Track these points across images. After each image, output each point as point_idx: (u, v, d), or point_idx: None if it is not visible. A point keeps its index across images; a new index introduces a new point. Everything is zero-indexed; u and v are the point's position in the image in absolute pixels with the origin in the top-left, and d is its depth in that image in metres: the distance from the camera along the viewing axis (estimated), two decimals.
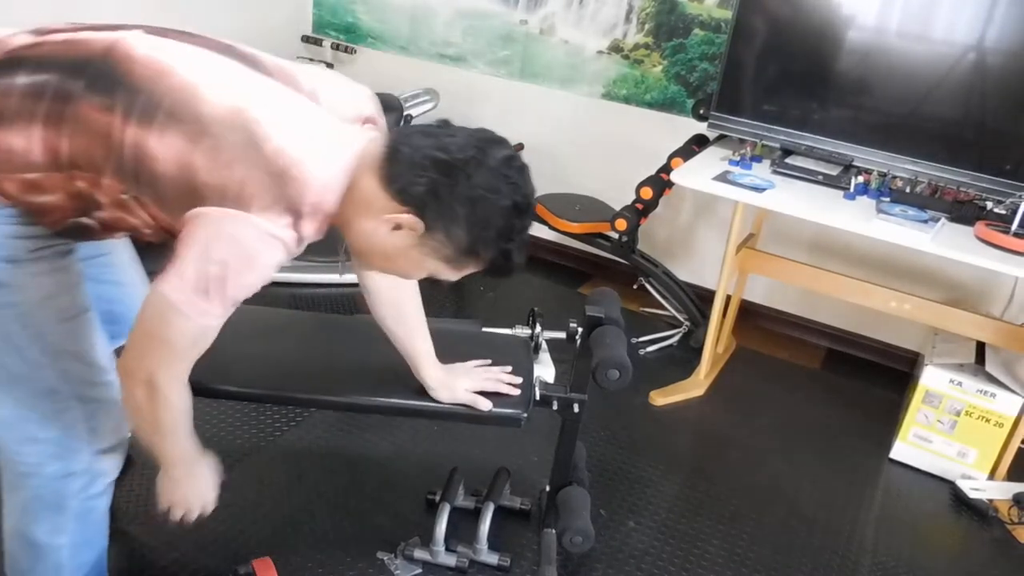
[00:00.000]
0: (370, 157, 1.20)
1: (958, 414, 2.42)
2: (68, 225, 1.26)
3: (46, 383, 1.32)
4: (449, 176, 1.16)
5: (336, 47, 3.66)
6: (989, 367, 2.41)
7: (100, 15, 2.90)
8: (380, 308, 1.61)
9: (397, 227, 1.20)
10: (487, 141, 1.21)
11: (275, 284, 3.32)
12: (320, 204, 1.17)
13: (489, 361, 1.74)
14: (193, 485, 1.41)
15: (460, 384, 1.65)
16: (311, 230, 1.19)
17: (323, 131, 1.21)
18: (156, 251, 1.27)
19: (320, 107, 1.25)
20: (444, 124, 1.24)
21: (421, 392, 1.67)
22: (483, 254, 1.22)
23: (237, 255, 1.13)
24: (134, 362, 1.21)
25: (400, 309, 1.62)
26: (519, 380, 1.71)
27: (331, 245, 3.25)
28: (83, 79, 1.15)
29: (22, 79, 1.15)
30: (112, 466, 1.45)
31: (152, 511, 1.91)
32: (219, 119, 1.13)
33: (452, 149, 1.17)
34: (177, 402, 1.26)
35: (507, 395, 1.67)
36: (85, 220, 1.25)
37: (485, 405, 1.64)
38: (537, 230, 3.38)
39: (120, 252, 1.58)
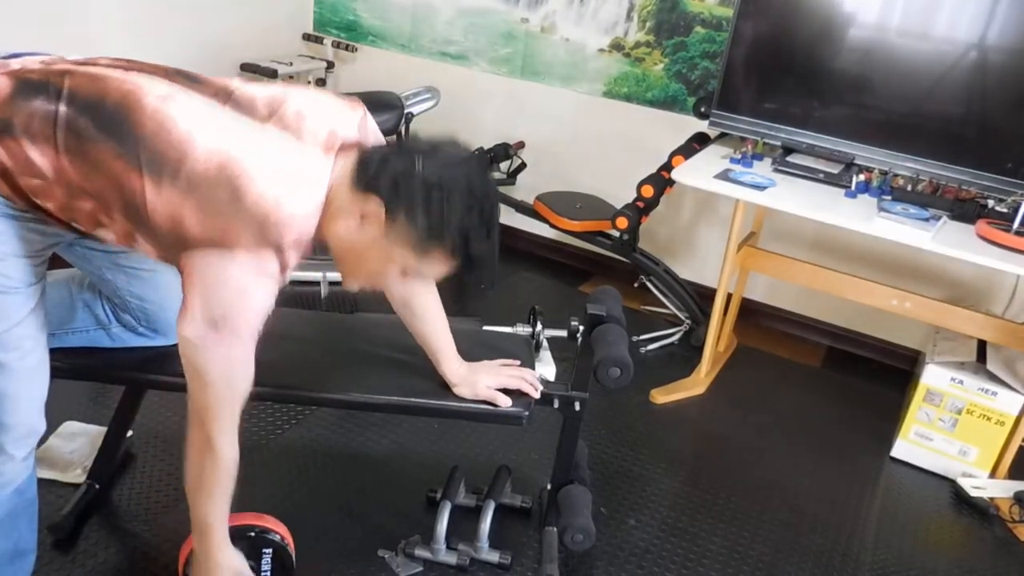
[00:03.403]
0: (343, 174, 1.31)
1: (959, 412, 2.41)
2: (65, 226, 1.35)
3: None
4: (407, 163, 1.27)
5: (337, 45, 3.65)
6: (990, 365, 2.41)
7: (107, 10, 2.92)
8: (393, 303, 1.66)
9: (364, 217, 1.29)
10: (445, 139, 1.33)
11: None
12: (301, 238, 1.28)
13: (518, 362, 1.76)
14: (213, 567, 1.44)
15: (481, 381, 1.67)
16: (295, 258, 1.30)
17: (301, 169, 1.29)
18: None
19: (303, 142, 1.30)
20: (412, 136, 1.34)
21: (421, 390, 1.67)
22: (444, 237, 1.28)
23: (231, 289, 1.25)
24: (192, 405, 1.34)
25: (412, 304, 1.64)
26: (538, 380, 1.72)
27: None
28: (93, 118, 1.25)
29: (40, 104, 1.25)
30: (19, 470, 1.41)
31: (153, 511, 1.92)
32: (207, 178, 1.24)
33: (410, 145, 1.33)
34: (225, 458, 1.35)
35: (527, 395, 1.69)
36: (79, 226, 1.35)
37: (504, 402, 1.66)
38: (538, 228, 3.38)
39: None
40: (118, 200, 1.27)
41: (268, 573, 1.61)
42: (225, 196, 1.23)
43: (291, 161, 1.29)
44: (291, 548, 1.64)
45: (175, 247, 1.26)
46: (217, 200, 1.23)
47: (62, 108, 1.25)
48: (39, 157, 1.25)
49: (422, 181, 1.26)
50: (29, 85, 1.26)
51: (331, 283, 3.09)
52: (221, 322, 1.24)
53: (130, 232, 1.32)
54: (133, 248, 1.37)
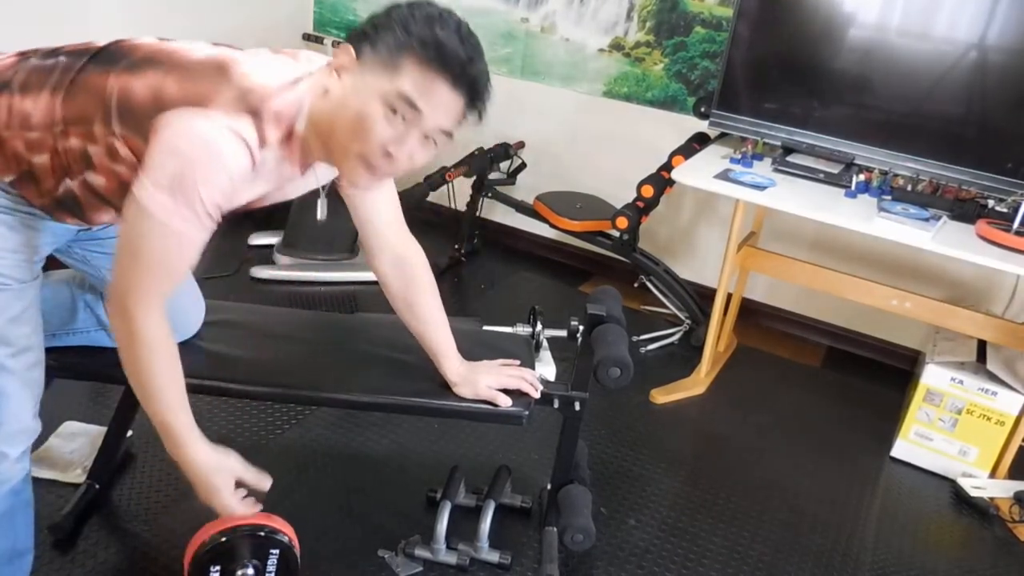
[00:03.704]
0: (325, 71, 1.29)
1: (959, 412, 2.42)
2: (56, 197, 1.33)
3: None
4: (376, 15, 1.24)
5: (337, 45, 3.64)
6: (990, 365, 2.41)
7: (107, 10, 2.92)
8: (393, 302, 1.65)
9: (339, 71, 1.25)
10: None
11: (275, 283, 3.31)
12: (282, 113, 1.24)
13: (518, 361, 1.75)
14: (194, 473, 1.34)
15: (482, 380, 1.66)
16: (275, 137, 1.25)
17: (292, 68, 1.30)
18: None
19: (297, 61, 1.33)
20: None
21: (421, 390, 1.67)
22: (409, 40, 1.20)
23: (195, 145, 1.17)
24: (113, 283, 1.23)
25: (411, 304, 1.64)
26: (538, 380, 1.72)
27: (335, 243, 3.26)
28: (88, 57, 1.29)
29: (35, 61, 1.31)
30: (14, 470, 1.38)
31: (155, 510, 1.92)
32: (195, 60, 1.27)
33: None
34: (153, 340, 1.25)
35: (527, 394, 1.68)
36: (69, 183, 1.31)
37: (504, 401, 1.65)
38: (538, 228, 3.38)
39: None
40: (100, 109, 1.24)
41: (273, 573, 1.61)
42: (211, 69, 1.23)
43: (282, 65, 1.30)
44: (297, 550, 1.64)
45: (152, 118, 1.20)
46: (202, 71, 1.23)
47: (61, 59, 1.30)
48: (32, 105, 1.26)
49: (385, 11, 1.24)
50: (30, 53, 1.33)
51: (331, 283, 3.09)
52: (177, 185, 1.15)
53: (112, 146, 1.26)
54: (116, 172, 1.29)
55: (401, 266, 1.62)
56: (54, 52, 1.32)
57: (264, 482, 1.42)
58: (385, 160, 1.25)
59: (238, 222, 3.45)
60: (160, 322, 1.26)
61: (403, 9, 1.22)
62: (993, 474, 2.44)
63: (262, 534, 1.56)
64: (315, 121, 1.27)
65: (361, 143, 1.24)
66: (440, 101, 1.22)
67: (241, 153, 1.20)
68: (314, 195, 1.50)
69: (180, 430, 1.33)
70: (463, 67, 1.21)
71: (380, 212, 1.58)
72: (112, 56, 1.29)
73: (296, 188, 1.47)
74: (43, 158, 1.29)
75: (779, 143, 2.65)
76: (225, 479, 1.38)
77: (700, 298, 3.04)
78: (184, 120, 1.18)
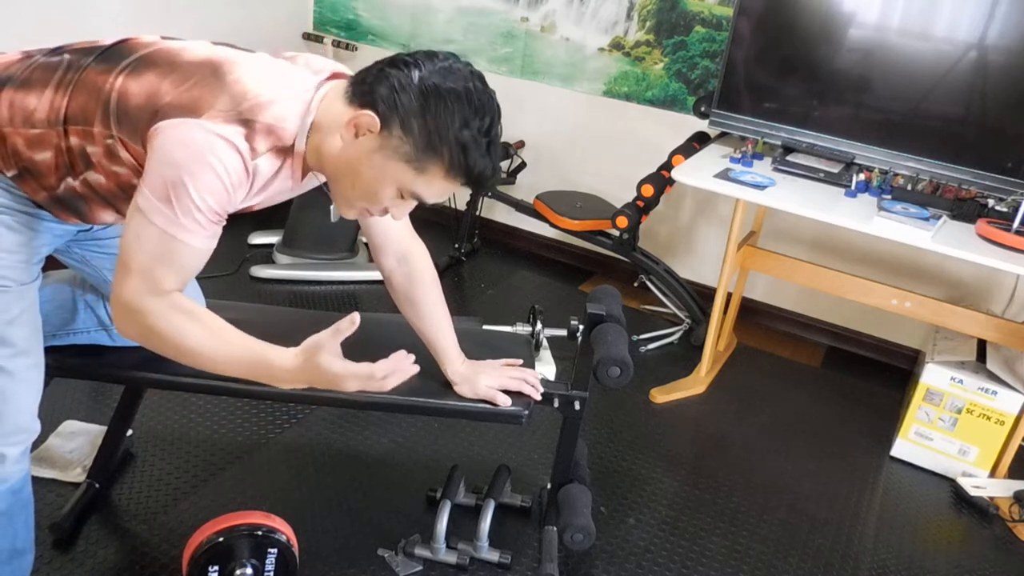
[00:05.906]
0: (335, 91, 1.29)
1: (959, 412, 2.42)
2: (58, 194, 1.34)
3: None
4: (401, 69, 1.23)
5: (337, 44, 3.65)
6: (990, 365, 2.41)
7: (107, 10, 2.92)
8: (396, 300, 1.66)
9: (359, 131, 1.25)
10: (437, 51, 1.30)
11: (275, 282, 3.31)
12: (275, 127, 1.25)
13: (520, 361, 1.75)
14: (305, 381, 1.34)
15: (482, 380, 1.66)
16: (264, 147, 1.25)
17: (289, 76, 1.30)
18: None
19: (295, 65, 1.35)
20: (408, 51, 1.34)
21: (421, 390, 1.67)
22: (441, 149, 1.23)
23: (188, 154, 1.18)
24: (116, 291, 1.23)
25: (414, 301, 1.65)
26: (539, 381, 1.72)
27: (335, 242, 3.25)
28: (93, 56, 1.31)
29: (40, 58, 1.34)
30: (12, 471, 1.38)
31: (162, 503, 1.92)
32: (192, 62, 1.28)
33: (407, 56, 1.27)
34: (171, 319, 1.24)
35: (528, 396, 1.68)
36: (72, 182, 1.33)
37: (504, 401, 1.65)
38: (538, 227, 3.38)
39: None
40: (99, 109, 1.26)
41: (272, 573, 1.61)
42: (206, 72, 1.25)
43: (279, 72, 1.30)
44: (295, 549, 1.64)
45: (147, 123, 1.22)
46: (197, 75, 1.25)
47: (66, 56, 1.32)
48: (36, 102, 1.28)
49: (419, 90, 1.22)
50: (34, 52, 1.35)
51: (331, 282, 3.09)
52: (174, 194, 1.17)
53: (111, 148, 1.28)
54: (115, 173, 1.31)
55: (405, 264, 1.62)
56: (58, 50, 1.34)
57: (406, 361, 1.40)
58: (380, 214, 1.36)
59: (238, 222, 3.46)
60: (173, 301, 1.25)
61: (433, 88, 1.22)
62: (993, 473, 2.44)
63: (259, 533, 1.56)
64: (324, 160, 1.29)
65: (368, 203, 1.32)
66: (446, 193, 1.31)
67: (234, 160, 1.21)
68: (316, 194, 1.49)
69: (260, 368, 1.32)
70: (482, 181, 1.28)
71: None
72: (116, 54, 1.30)
73: (297, 191, 1.47)
74: (46, 155, 1.30)
75: (779, 142, 2.65)
76: (328, 362, 1.33)
77: (700, 297, 3.04)
78: (177, 130, 1.20)
